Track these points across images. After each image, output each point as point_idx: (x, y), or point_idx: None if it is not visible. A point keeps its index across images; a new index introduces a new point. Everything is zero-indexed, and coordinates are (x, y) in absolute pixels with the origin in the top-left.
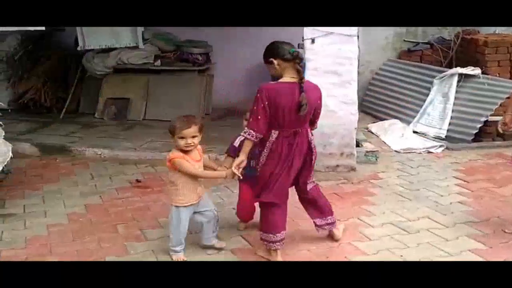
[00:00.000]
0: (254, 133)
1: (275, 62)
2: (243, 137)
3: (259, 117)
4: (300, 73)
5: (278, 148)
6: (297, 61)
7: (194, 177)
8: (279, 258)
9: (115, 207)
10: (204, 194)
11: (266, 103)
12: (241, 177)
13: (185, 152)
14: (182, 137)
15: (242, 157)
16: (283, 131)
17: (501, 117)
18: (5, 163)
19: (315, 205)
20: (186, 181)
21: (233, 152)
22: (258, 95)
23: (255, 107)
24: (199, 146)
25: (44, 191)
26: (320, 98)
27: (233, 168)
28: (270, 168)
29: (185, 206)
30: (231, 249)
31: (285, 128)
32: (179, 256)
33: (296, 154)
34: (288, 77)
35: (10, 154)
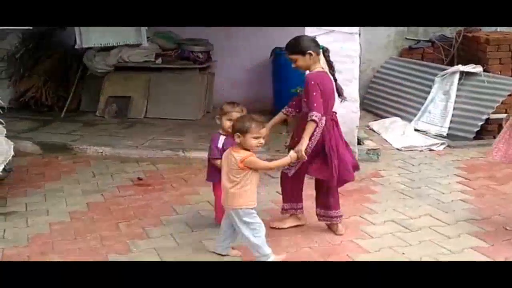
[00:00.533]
0: (320, 115)
1: (312, 54)
2: (311, 120)
3: (321, 100)
4: (332, 65)
5: (331, 129)
6: (326, 54)
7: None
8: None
9: (116, 205)
10: None
11: (320, 89)
12: (306, 159)
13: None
14: (257, 137)
15: (307, 141)
16: (329, 114)
17: (506, 115)
18: (7, 162)
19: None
20: (256, 180)
21: (220, 154)
22: (312, 82)
23: (314, 93)
24: None
25: (45, 189)
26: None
27: (302, 152)
28: (323, 151)
29: (254, 207)
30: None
31: (328, 113)
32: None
33: (339, 133)
34: (319, 68)
35: (12, 152)
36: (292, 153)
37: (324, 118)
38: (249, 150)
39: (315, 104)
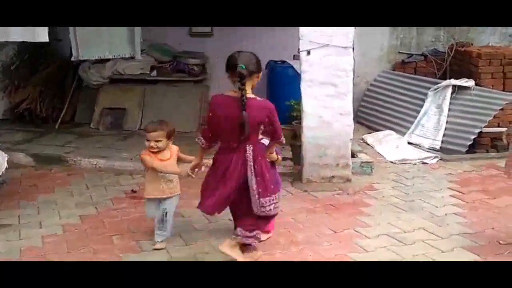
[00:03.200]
0: (202, 140)
1: (227, 74)
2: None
3: (207, 126)
4: (241, 90)
5: (219, 159)
6: (238, 78)
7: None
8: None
9: (110, 218)
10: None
11: (211, 114)
12: (194, 176)
13: (154, 153)
14: (147, 140)
15: (196, 160)
16: (229, 143)
17: (505, 129)
18: (0, 174)
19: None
20: (152, 176)
21: None
22: (209, 105)
23: (207, 115)
24: (174, 148)
25: (39, 201)
26: (269, 116)
27: (188, 170)
28: (211, 178)
29: (150, 197)
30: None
31: (230, 140)
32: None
33: (239, 168)
34: (232, 91)
35: (6, 164)
36: (184, 169)
37: (205, 142)
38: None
39: (203, 127)
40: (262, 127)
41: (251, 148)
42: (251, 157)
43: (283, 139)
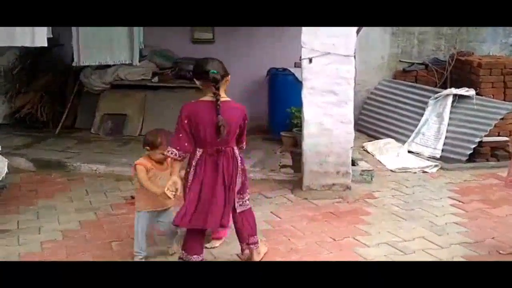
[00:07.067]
0: (176, 151)
1: (197, 82)
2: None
3: (180, 135)
4: (215, 94)
5: (203, 167)
6: (212, 83)
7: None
8: None
9: (110, 223)
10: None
11: (186, 121)
12: (173, 198)
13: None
14: (156, 150)
15: (174, 178)
16: (206, 150)
17: (508, 138)
18: (0, 179)
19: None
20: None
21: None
22: (179, 114)
23: (177, 125)
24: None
25: (38, 206)
26: (244, 118)
27: (165, 189)
28: (196, 188)
29: (142, 212)
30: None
31: (207, 147)
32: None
33: (221, 173)
34: (208, 96)
35: (6, 169)
36: (162, 190)
37: (180, 153)
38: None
39: (173, 138)
40: (237, 130)
41: (232, 150)
42: (236, 158)
43: (245, 144)
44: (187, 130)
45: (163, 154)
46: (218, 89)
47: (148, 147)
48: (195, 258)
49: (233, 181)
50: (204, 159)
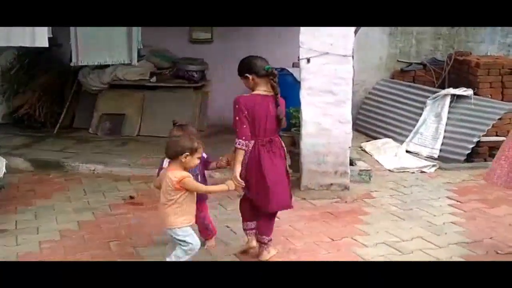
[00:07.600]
0: (243, 141)
1: (250, 77)
2: (235, 148)
3: (244, 126)
4: (274, 88)
5: (256, 156)
6: (271, 77)
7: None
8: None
9: (108, 223)
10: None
11: (246, 112)
12: (241, 190)
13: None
14: (194, 155)
15: (239, 168)
16: (258, 140)
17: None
18: None
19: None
20: (192, 200)
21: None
22: (237, 106)
23: (237, 117)
24: None
25: (36, 206)
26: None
27: (237, 178)
28: (256, 176)
29: (189, 226)
30: None
31: (260, 137)
32: None
33: (278, 160)
34: (261, 90)
35: (4, 169)
36: (229, 181)
37: (251, 142)
38: (185, 170)
39: (237, 130)
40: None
41: (280, 140)
42: (283, 147)
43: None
44: (249, 120)
45: (198, 158)
46: (276, 82)
47: (188, 153)
48: (264, 239)
49: (286, 166)
50: (257, 149)
